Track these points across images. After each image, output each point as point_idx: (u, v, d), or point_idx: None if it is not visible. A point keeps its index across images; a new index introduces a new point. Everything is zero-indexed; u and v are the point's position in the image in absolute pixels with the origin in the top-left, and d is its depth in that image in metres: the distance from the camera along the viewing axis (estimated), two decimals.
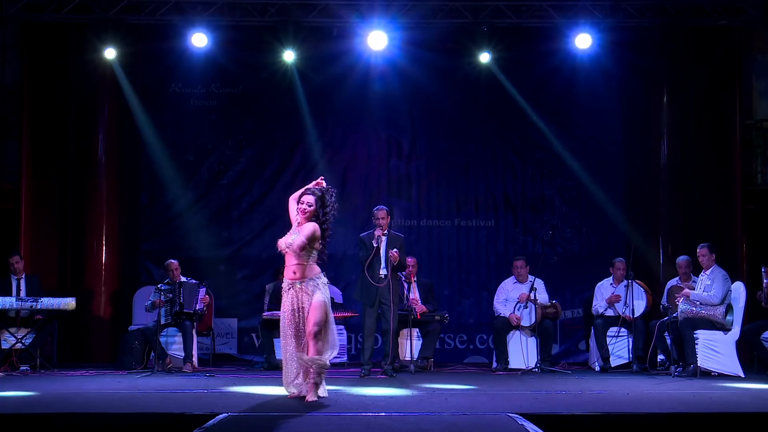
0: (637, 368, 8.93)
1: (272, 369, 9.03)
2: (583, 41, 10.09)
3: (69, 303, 8.75)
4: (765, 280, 8.52)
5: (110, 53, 10.02)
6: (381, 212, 8.36)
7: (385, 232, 8.33)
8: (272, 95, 10.73)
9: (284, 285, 6.34)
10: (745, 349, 8.79)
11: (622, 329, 9.25)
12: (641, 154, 10.69)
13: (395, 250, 8.21)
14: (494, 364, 9.41)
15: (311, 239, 6.17)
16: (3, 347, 8.77)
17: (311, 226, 6.20)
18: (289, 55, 10.23)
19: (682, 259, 9.12)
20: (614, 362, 9.22)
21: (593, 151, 10.95)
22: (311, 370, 6.14)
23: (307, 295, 6.21)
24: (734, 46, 10.44)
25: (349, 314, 9.39)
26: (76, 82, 10.35)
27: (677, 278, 9.10)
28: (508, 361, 9.25)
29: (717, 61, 10.45)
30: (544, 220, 10.89)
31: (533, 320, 9.21)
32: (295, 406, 5.91)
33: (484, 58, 10.30)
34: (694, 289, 8.63)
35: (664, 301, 9.09)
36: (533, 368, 9.02)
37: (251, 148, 10.89)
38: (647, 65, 10.47)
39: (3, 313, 8.71)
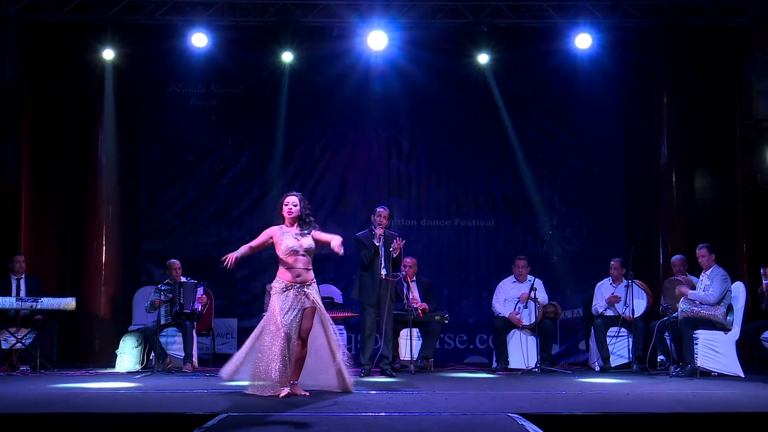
0: (637, 368, 8.93)
1: None
2: (583, 41, 10.09)
3: (69, 303, 8.76)
4: (765, 281, 8.51)
5: (110, 53, 10.02)
6: (385, 212, 8.42)
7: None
8: (272, 95, 10.72)
9: (280, 286, 6.46)
10: (745, 349, 8.79)
11: (622, 329, 9.25)
12: (641, 154, 10.69)
13: (400, 242, 8.29)
14: (494, 364, 9.41)
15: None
16: (3, 347, 8.77)
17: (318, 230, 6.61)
18: (288, 55, 10.24)
19: (676, 258, 9.16)
20: (614, 362, 9.23)
21: (593, 151, 10.96)
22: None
23: (308, 299, 6.47)
24: (734, 46, 10.44)
25: (349, 314, 9.39)
26: (76, 82, 10.35)
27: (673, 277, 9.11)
28: (508, 361, 9.25)
29: (717, 61, 10.46)
30: (544, 220, 10.89)
31: (533, 320, 9.21)
32: (295, 406, 5.91)
33: (484, 58, 10.30)
34: (693, 287, 8.64)
35: (662, 301, 9.09)
36: (533, 368, 9.02)
37: (251, 148, 10.90)
38: (647, 65, 10.46)
39: (3, 313, 8.71)
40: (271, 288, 6.60)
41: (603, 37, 10.17)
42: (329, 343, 6.65)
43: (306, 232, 6.53)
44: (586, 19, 10.05)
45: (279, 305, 6.39)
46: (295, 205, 6.58)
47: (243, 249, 6.59)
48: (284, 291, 6.41)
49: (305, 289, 6.46)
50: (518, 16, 10.18)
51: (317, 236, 6.59)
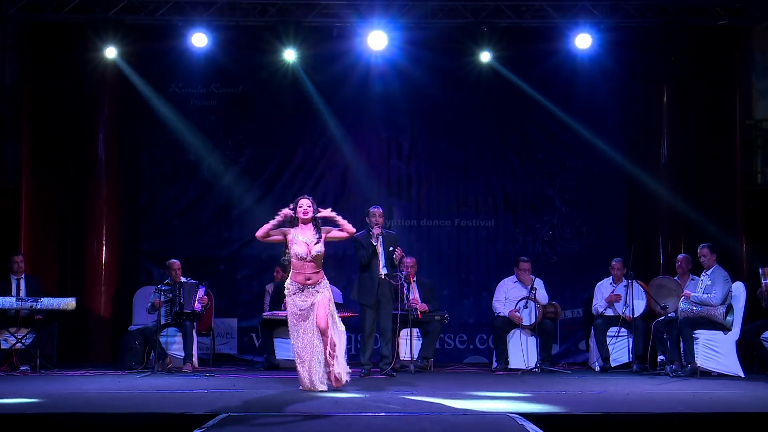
0: (637, 368, 8.92)
1: (272, 369, 9.06)
2: (583, 41, 10.10)
3: (69, 303, 8.76)
4: (763, 281, 8.51)
5: (110, 53, 10.01)
6: (379, 210, 8.44)
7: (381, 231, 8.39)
8: (272, 95, 10.72)
9: (293, 288, 6.86)
10: (745, 349, 8.79)
11: (622, 329, 9.25)
12: (641, 154, 10.69)
13: (399, 249, 8.37)
14: (494, 364, 9.41)
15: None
16: (3, 347, 8.77)
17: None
18: (289, 55, 10.23)
19: (681, 257, 9.22)
20: (614, 362, 9.22)
21: (593, 151, 10.95)
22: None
23: (318, 294, 6.84)
24: (734, 46, 10.44)
25: (349, 314, 9.37)
26: (76, 81, 10.35)
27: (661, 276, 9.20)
28: (508, 361, 9.25)
29: (717, 61, 10.46)
30: (544, 220, 10.89)
31: (533, 320, 9.21)
32: (294, 405, 5.91)
33: (484, 57, 10.30)
34: (680, 287, 8.69)
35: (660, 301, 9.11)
36: (533, 368, 9.02)
37: (251, 148, 10.89)
38: (647, 65, 10.46)
39: (3, 313, 8.71)
40: (285, 288, 6.93)
41: (603, 37, 10.17)
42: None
43: (319, 236, 6.85)
44: (586, 19, 10.06)
45: (296, 308, 6.82)
46: (309, 207, 6.94)
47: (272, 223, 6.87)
48: (296, 293, 6.83)
49: (315, 288, 6.83)
50: (518, 16, 10.18)
51: (331, 235, 6.98)
